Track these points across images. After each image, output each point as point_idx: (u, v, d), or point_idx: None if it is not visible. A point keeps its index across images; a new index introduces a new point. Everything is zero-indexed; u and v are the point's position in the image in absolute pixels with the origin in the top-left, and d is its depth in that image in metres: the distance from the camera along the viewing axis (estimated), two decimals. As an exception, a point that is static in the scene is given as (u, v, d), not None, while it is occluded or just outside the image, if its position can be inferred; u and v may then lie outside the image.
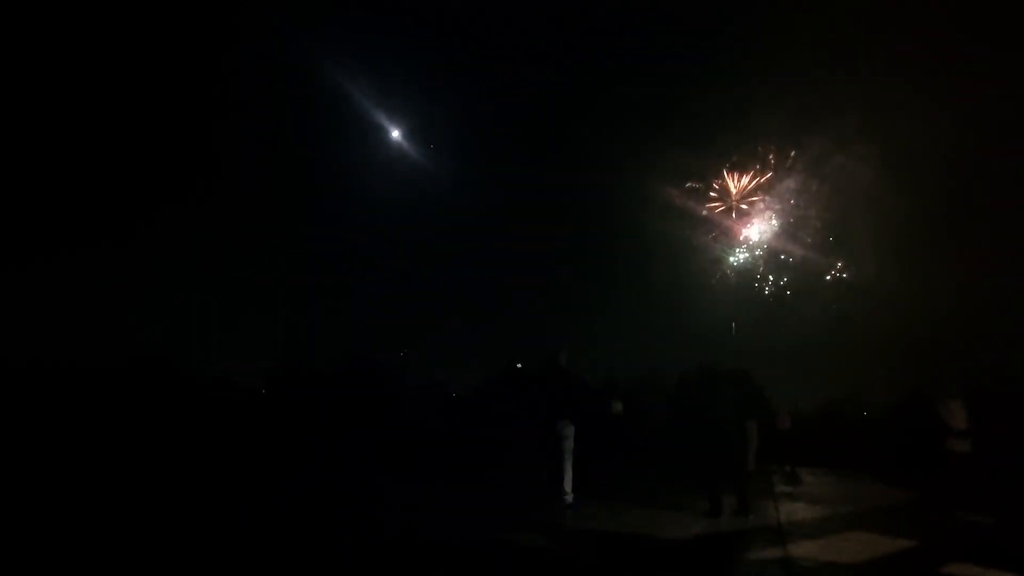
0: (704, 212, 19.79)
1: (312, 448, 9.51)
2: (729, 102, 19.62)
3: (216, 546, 4.04)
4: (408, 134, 21.22)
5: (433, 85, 22.02)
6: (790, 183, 19.46)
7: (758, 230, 19.73)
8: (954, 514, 5.56)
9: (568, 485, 5.25)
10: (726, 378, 5.57)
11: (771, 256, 20.15)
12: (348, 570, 3.69)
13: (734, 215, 19.68)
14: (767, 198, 19.52)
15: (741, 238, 19.82)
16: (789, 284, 20.23)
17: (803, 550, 4.21)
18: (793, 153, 19.06)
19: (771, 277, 20.24)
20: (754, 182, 19.24)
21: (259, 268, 22.43)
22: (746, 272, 20.53)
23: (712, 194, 19.58)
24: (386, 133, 21.06)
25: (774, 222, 19.92)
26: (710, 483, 5.25)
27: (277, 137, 21.21)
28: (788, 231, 19.87)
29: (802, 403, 11.60)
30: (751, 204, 19.60)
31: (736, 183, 19.14)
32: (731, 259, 20.08)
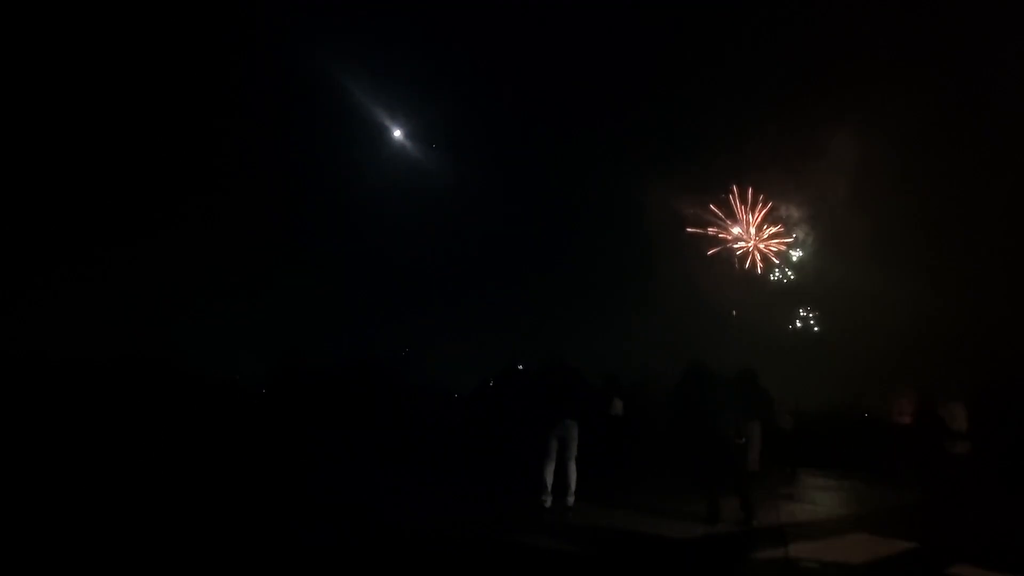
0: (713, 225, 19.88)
1: (313, 447, 9.53)
2: (735, 108, 19.65)
3: (220, 542, 4.07)
4: (411, 135, 21.24)
5: (439, 86, 22.05)
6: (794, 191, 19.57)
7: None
8: (955, 516, 5.58)
9: (572, 485, 5.25)
10: (723, 378, 5.50)
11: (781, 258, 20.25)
12: (351, 569, 3.72)
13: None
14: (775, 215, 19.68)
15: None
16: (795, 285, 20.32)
17: (804, 551, 4.24)
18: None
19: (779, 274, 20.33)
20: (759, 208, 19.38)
21: (261, 268, 22.43)
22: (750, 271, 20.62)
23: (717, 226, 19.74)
24: (389, 134, 21.09)
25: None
26: (709, 488, 5.20)
27: (281, 137, 21.21)
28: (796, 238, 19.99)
29: (803, 403, 11.60)
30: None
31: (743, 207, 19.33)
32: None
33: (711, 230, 20.55)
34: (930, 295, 16.19)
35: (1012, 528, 5.21)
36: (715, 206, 20.67)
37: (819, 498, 6.69)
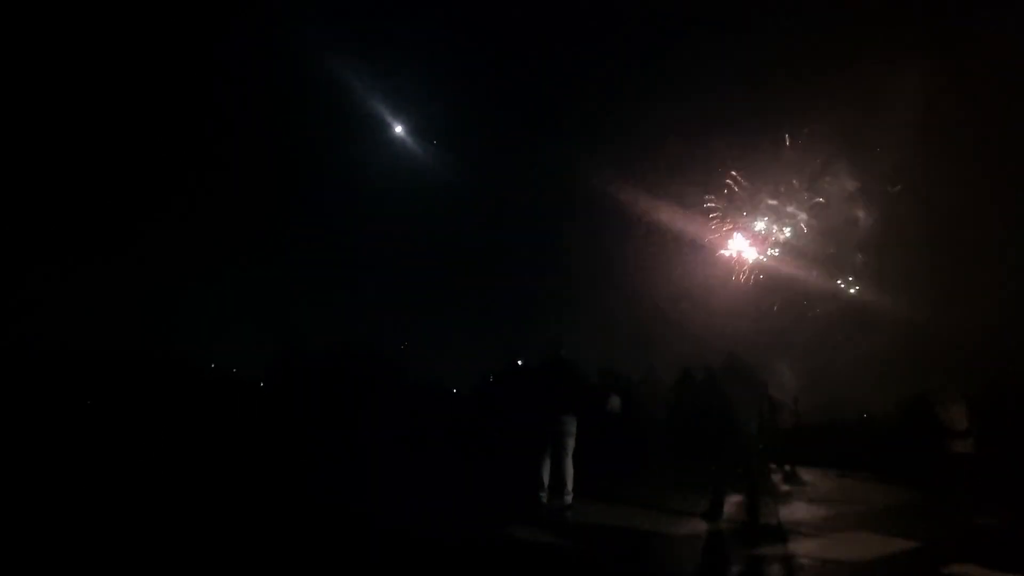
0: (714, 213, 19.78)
1: (311, 442, 9.51)
2: (736, 105, 19.48)
3: (216, 541, 4.04)
4: (411, 128, 21.16)
5: (437, 79, 21.88)
6: (796, 188, 19.45)
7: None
8: (955, 515, 5.55)
9: (569, 483, 5.21)
10: (746, 375, 5.35)
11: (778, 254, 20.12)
12: (349, 566, 3.69)
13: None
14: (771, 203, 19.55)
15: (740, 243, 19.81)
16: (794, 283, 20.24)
17: (803, 549, 4.22)
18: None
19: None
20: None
21: (259, 260, 22.40)
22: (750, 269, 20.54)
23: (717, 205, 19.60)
24: (388, 127, 21.01)
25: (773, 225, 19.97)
26: (716, 485, 5.15)
27: (278, 129, 21.11)
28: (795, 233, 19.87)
29: (803, 401, 11.58)
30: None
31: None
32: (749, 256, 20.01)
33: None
34: (931, 293, 16.14)
35: (1012, 527, 5.18)
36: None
37: (819, 496, 6.67)
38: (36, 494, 5.12)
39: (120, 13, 16.94)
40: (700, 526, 4.85)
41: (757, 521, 4.89)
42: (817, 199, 19.35)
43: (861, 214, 18.68)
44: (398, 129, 21.08)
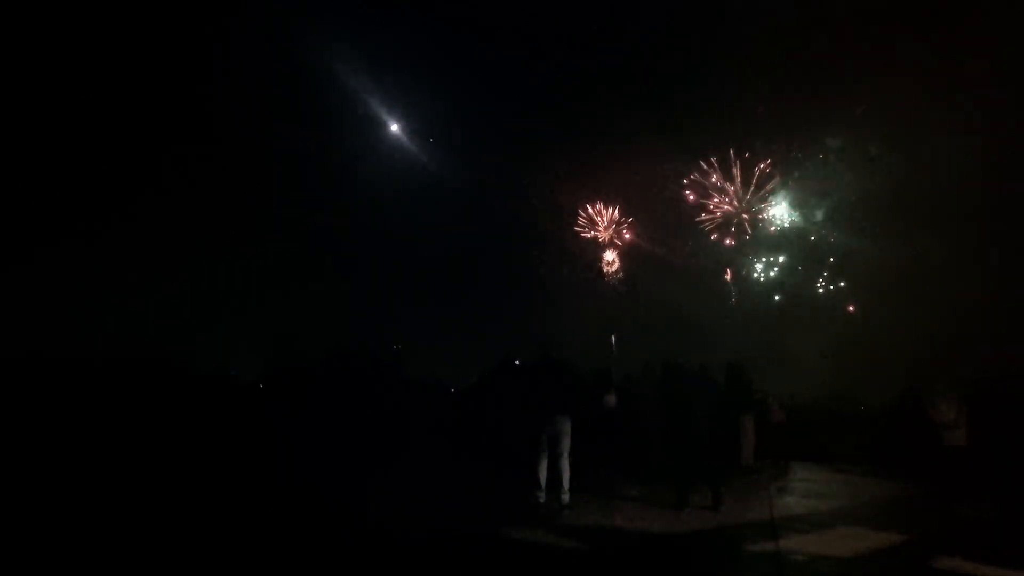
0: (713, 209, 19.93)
1: (309, 443, 9.53)
2: (732, 99, 19.44)
3: (214, 543, 4.07)
4: (407, 127, 21.09)
5: (435, 78, 21.77)
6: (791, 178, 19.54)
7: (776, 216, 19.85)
8: (947, 509, 5.63)
9: (565, 482, 5.26)
10: (698, 375, 5.84)
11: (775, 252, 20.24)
12: (346, 568, 3.73)
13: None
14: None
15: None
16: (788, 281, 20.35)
17: (795, 544, 4.28)
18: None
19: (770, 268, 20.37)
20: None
21: (254, 261, 22.34)
22: (747, 270, 20.66)
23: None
24: (384, 126, 20.95)
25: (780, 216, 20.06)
26: (677, 477, 5.51)
27: (271, 129, 20.98)
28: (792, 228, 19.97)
29: (797, 396, 11.69)
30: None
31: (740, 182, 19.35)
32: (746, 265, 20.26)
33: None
34: (930, 286, 16.21)
35: (1002, 520, 5.26)
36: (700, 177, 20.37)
37: (812, 491, 6.74)
38: (34, 500, 5.14)
39: (113, 10, 16.82)
40: (693, 524, 4.91)
41: (718, 507, 5.28)
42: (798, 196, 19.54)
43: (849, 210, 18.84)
44: (394, 128, 21.01)
